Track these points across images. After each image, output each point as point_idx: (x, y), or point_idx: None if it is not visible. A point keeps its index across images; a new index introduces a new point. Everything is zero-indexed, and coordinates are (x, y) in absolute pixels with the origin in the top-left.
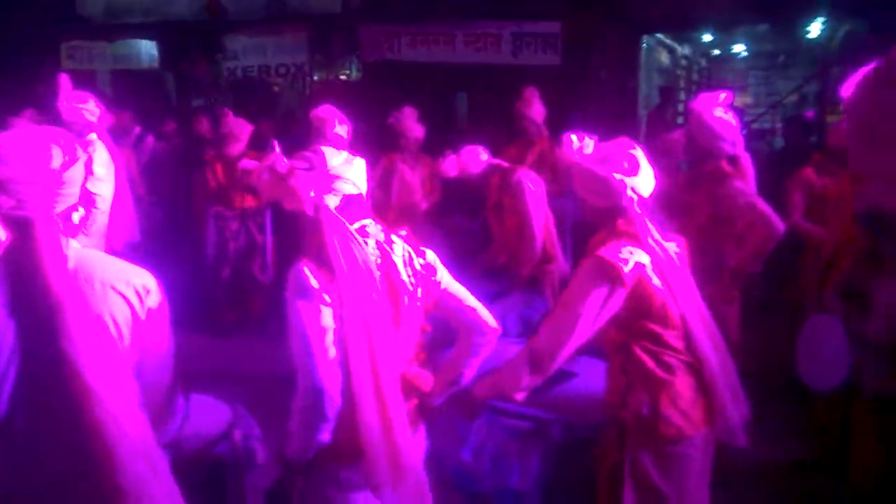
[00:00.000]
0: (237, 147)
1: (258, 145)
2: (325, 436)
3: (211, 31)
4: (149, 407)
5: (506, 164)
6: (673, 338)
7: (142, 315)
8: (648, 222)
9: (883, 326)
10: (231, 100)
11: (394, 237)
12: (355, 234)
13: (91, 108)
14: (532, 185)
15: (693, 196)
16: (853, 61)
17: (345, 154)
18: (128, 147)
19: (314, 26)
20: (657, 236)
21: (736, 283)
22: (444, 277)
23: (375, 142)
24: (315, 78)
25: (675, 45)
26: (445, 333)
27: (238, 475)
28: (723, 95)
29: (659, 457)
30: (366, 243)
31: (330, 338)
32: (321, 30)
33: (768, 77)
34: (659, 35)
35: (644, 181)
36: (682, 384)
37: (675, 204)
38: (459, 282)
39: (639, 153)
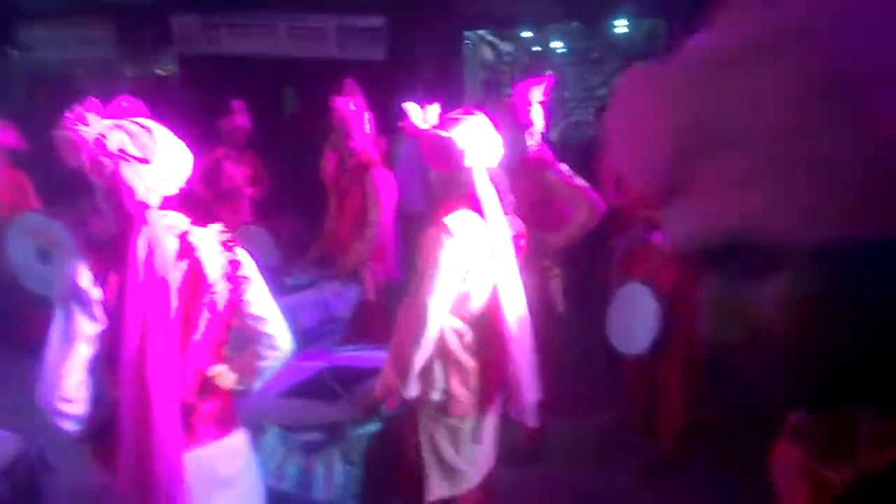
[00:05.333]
0: None
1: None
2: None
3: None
4: None
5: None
6: (483, 321)
7: None
8: (492, 193)
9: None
10: (25, 97)
11: (200, 231)
12: (162, 230)
13: None
14: (387, 182)
15: (514, 180)
16: (653, 55)
17: (181, 145)
18: None
19: (123, 17)
20: (498, 210)
21: (559, 259)
22: (252, 277)
23: (196, 138)
24: (128, 73)
25: (498, 42)
26: None
27: None
28: (542, 84)
29: (450, 431)
30: (167, 235)
31: (82, 348)
32: (131, 21)
33: (584, 72)
34: (482, 32)
35: (487, 147)
36: (480, 365)
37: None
38: (273, 279)
39: (481, 120)
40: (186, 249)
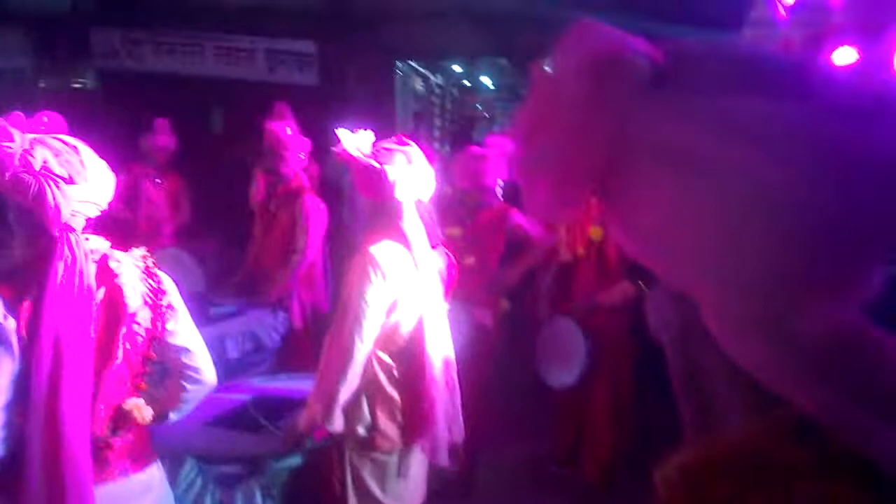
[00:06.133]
0: None
1: None
2: None
3: None
4: None
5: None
6: (408, 354)
7: None
8: (420, 226)
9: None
10: None
11: (122, 256)
12: (82, 255)
13: None
14: (317, 210)
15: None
16: None
17: (103, 165)
18: None
19: (37, 27)
20: (425, 243)
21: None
22: (175, 306)
23: (115, 156)
24: (42, 85)
25: (429, 74)
26: None
27: None
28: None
29: (376, 466)
30: (86, 261)
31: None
32: (46, 31)
33: (511, 108)
34: (413, 63)
35: (419, 179)
36: (407, 400)
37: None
38: (196, 307)
39: (415, 151)
40: (106, 275)
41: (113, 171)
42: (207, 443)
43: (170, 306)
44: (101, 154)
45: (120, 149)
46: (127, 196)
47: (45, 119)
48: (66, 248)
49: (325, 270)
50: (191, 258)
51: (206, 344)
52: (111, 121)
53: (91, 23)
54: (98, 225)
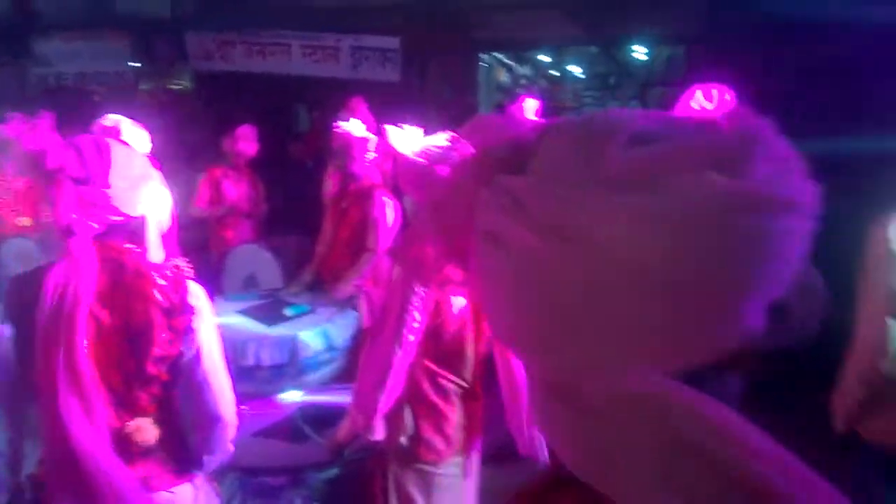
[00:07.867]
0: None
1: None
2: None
3: (17, 35)
4: None
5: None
6: (458, 364)
7: None
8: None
9: None
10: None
11: (152, 264)
12: (89, 259)
13: None
14: (391, 207)
15: None
16: (671, 82)
17: (141, 170)
18: None
19: (138, 32)
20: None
21: None
22: (203, 330)
23: (208, 153)
24: (143, 87)
25: (515, 65)
26: None
27: None
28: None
29: (421, 477)
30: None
31: None
32: (146, 36)
33: (601, 98)
34: (498, 54)
35: None
36: (453, 411)
37: None
38: (271, 305)
39: (466, 149)
40: (125, 284)
41: (199, 170)
42: (253, 455)
43: (189, 326)
44: (194, 153)
45: (212, 147)
46: (209, 195)
47: (105, 123)
48: (72, 249)
49: (393, 269)
50: (269, 254)
51: (280, 344)
52: (205, 120)
53: (187, 26)
54: (178, 224)
